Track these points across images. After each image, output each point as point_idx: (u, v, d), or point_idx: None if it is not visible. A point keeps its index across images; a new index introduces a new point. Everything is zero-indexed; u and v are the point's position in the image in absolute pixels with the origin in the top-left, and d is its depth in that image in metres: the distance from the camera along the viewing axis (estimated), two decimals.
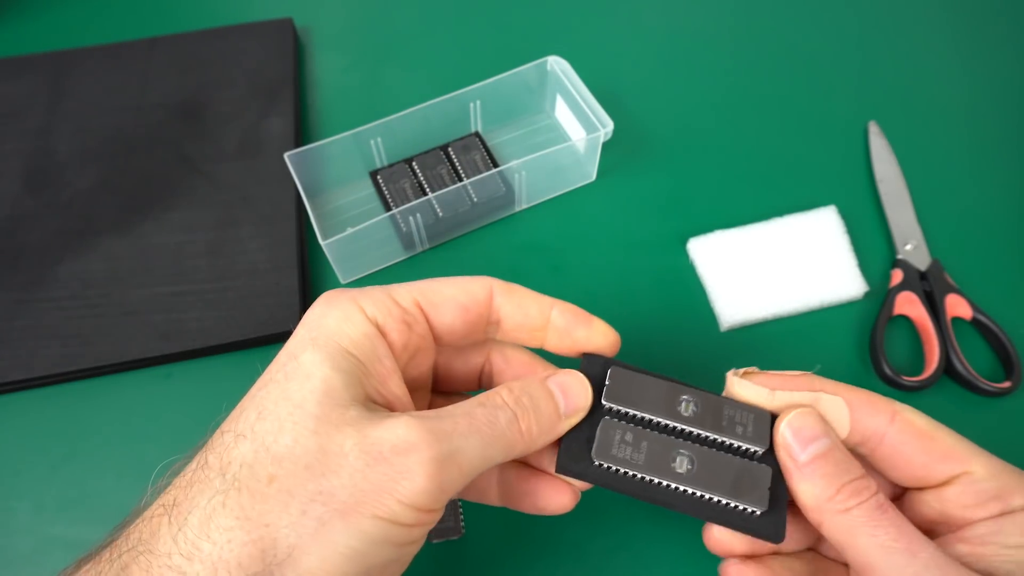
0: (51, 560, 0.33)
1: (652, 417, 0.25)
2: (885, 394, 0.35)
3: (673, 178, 0.44)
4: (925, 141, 0.45)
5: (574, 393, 0.25)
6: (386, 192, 0.42)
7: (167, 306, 0.38)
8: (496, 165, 0.43)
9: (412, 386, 0.26)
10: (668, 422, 0.25)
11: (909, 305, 0.38)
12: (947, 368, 0.36)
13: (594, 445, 0.24)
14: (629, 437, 0.25)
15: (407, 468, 0.20)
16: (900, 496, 0.27)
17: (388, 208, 0.42)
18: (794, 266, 0.39)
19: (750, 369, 0.26)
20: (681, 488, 0.24)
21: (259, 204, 0.42)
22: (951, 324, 0.37)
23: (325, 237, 0.36)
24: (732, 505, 0.24)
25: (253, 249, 0.40)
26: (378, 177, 0.43)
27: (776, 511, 0.24)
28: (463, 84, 0.42)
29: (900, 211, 0.41)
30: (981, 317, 0.37)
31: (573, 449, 0.25)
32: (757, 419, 0.25)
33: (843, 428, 0.25)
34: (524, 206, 0.43)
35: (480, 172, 0.42)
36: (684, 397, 0.26)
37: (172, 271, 0.39)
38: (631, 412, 0.25)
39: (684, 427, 0.25)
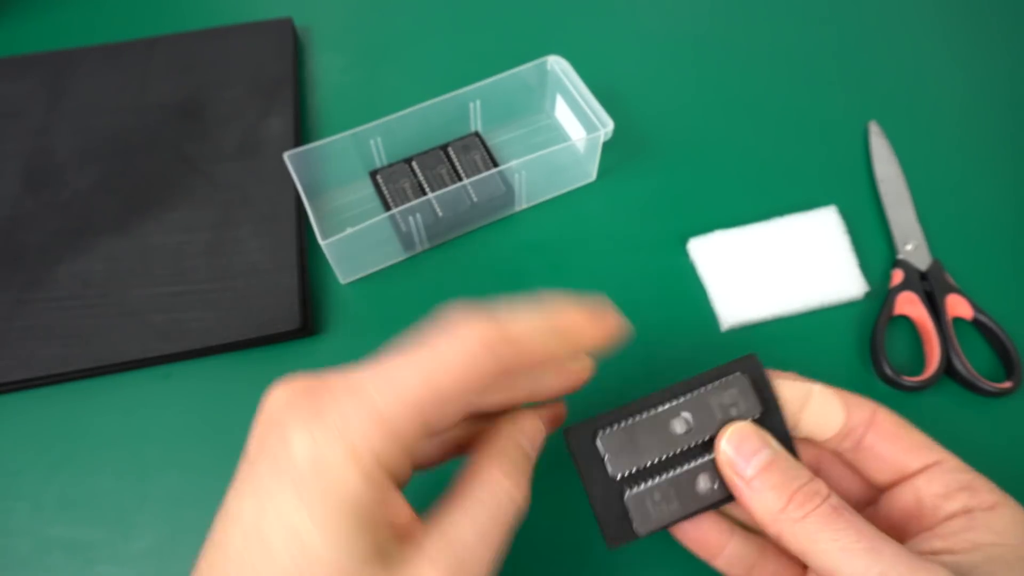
0: (51, 560, 0.33)
1: (659, 458, 0.25)
2: (886, 394, 0.36)
3: (673, 178, 0.44)
4: (925, 141, 0.45)
5: (534, 436, 0.25)
6: (386, 192, 0.42)
7: (167, 306, 0.38)
8: (496, 165, 0.43)
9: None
10: (674, 452, 0.25)
11: (909, 305, 0.38)
12: (948, 368, 0.36)
13: (633, 522, 0.25)
14: (657, 496, 0.25)
15: None
16: (875, 500, 0.27)
17: (388, 208, 0.42)
18: (794, 266, 0.39)
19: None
20: (713, 501, 0.25)
21: (259, 204, 0.42)
22: (952, 324, 0.37)
23: (325, 237, 0.36)
24: None
25: (253, 249, 0.40)
26: (378, 177, 0.43)
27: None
28: (463, 84, 0.42)
29: (900, 211, 0.41)
30: (982, 317, 0.37)
31: (614, 526, 0.25)
32: (741, 391, 0.26)
33: (836, 421, 0.26)
34: (524, 206, 0.43)
35: (480, 172, 0.42)
36: (672, 420, 0.26)
37: (172, 271, 0.39)
38: (641, 468, 0.25)
39: (689, 445, 0.25)
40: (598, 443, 0.25)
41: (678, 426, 0.25)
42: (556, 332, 0.23)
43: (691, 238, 0.40)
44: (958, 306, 0.38)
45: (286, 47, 0.49)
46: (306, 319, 0.38)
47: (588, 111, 0.41)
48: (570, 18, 0.52)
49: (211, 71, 0.48)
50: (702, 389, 0.26)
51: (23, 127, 0.45)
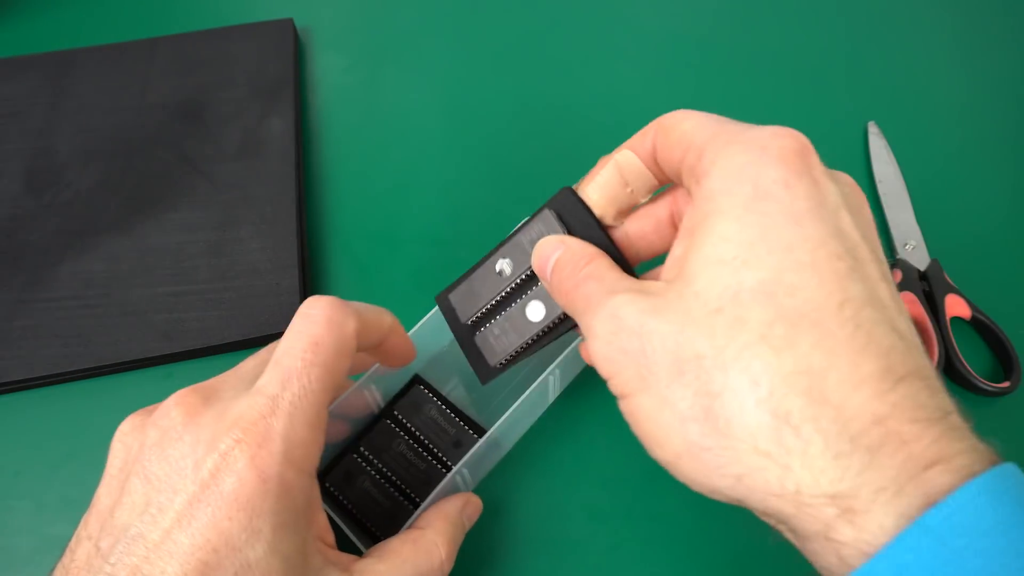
0: (51, 560, 0.32)
1: (491, 301, 0.28)
2: None
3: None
4: (925, 141, 0.45)
5: (474, 515, 0.31)
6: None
7: (167, 306, 0.38)
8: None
9: None
10: (503, 292, 0.28)
11: (908, 305, 0.38)
12: (946, 368, 0.36)
13: (487, 359, 0.28)
14: (497, 331, 0.28)
15: None
16: None
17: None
18: None
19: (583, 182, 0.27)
20: (550, 325, 0.27)
21: (259, 204, 0.42)
22: (950, 324, 0.37)
23: None
24: None
25: (253, 249, 0.40)
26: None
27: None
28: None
29: (899, 211, 0.41)
30: (980, 317, 0.37)
31: (479, 366, 0.29)
32: (544, 222, 0.27)
33: (645, 175, 0.27)
34: None
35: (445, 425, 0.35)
36: (498, 263, 0.28)
37: (172, 271, 0.39)
38: (480, 311, 0.28)
39: (513, 284, 0.28)
40: (450, 299, 0.29)
41: (503, 269, 0.28)
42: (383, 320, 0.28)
43: None
44: (956, 306, 0.38)
45: (287, 47, 0.49)
46: None
47: None
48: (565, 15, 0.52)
49: (212, 71, 0.48)
50: (516, 234, 0.28)
51: (24, 127, 0.45)
